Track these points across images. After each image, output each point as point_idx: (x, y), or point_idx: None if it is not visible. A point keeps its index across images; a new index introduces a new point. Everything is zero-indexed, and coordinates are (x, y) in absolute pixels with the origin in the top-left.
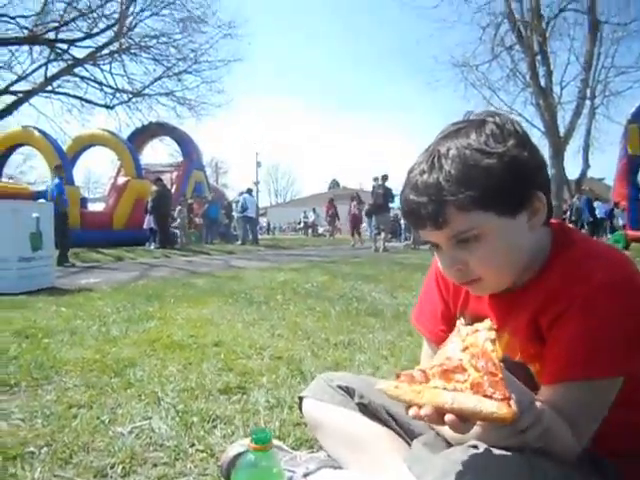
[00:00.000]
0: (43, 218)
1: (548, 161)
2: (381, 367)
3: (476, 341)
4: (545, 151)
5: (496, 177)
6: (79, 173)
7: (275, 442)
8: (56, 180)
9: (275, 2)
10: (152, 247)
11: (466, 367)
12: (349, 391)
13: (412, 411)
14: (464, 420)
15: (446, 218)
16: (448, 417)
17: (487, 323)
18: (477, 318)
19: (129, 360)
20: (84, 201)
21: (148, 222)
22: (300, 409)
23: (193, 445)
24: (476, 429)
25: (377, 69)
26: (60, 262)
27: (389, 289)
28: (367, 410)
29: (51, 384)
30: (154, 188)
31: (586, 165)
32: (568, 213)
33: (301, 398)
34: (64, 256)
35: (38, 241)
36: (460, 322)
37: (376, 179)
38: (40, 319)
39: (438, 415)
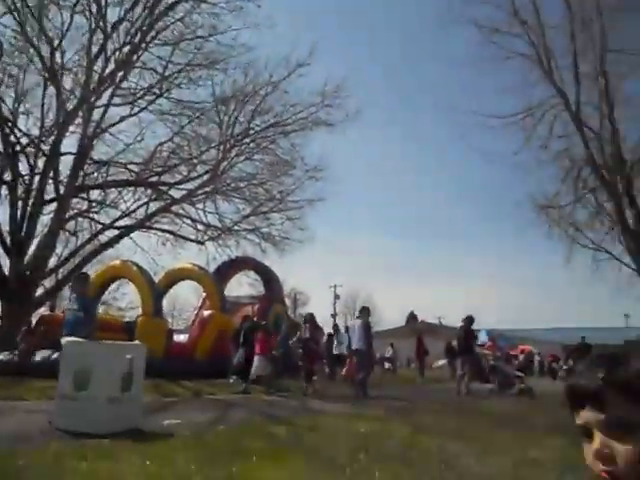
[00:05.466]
0: (136, 359)
1: None
2: None
3: None
4: (637, 291)
5: None
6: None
7: None
8: None
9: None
10: (232, 381)
11: None
12: None
13: None
14: None
15: (607, 400)
16: None
17: None
18: None
19: None
20: (170, 333)
21: (239, 356)
22: None
23: None
24: None
25: (460, 206)
26: None
27: (479, 452)
28: None
29: None
30: (246, 323)
31: None
32: None
33: None
34: None
35: (128, 382)
36: None
37: (464, 320)
38: (125, 474)
39: None
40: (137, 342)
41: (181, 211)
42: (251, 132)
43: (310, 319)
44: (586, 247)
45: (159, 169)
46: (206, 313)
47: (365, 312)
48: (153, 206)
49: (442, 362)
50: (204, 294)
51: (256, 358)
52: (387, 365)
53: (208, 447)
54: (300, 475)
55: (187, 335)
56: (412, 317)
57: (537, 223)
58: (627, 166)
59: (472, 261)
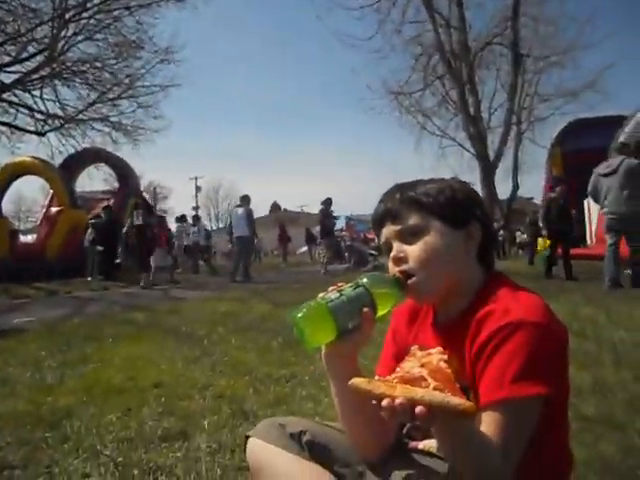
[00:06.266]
0: None
1: (479, 183)
2: (322, 400)
3: (430, 360)
4: (476, 173)
5: (445, 195)
6: (7, 202)
7: None
8: None
9: (217, 32)
10: (90, 278)
11: (426, 377)
12: (299, 436)
13: (385, 401)
14: (432, 413)
15: (402, 214)
16: (419, 408)
17: (438, 348)
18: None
19: (65, 410)
20: (14, 233)
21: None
22: (244, 450)
23: None
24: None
25: (320, 96)
26: None
27: None
28: (315, 451)
29: None
30: (106, 213)
31: (516, 186)
32: None
33: (247, 437)
34: None
35: None
36: (414, 347)
37: (322, 202)
38: None
39: (410, 406)
40: None
41: (14, 98)
42: (89, 6)
43: (142, 204)
44: (433, 134)
45: None
46: (54, 210)
47: (246, 200)
48: None
49: (304, 248)
50: (51, 191)
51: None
52: None
53: (62, 336)
54: (157, 349)
55: (35, 235)
56: (275, 206)
57: (389, 110)
58: (471, 54)
59: (332, 149)
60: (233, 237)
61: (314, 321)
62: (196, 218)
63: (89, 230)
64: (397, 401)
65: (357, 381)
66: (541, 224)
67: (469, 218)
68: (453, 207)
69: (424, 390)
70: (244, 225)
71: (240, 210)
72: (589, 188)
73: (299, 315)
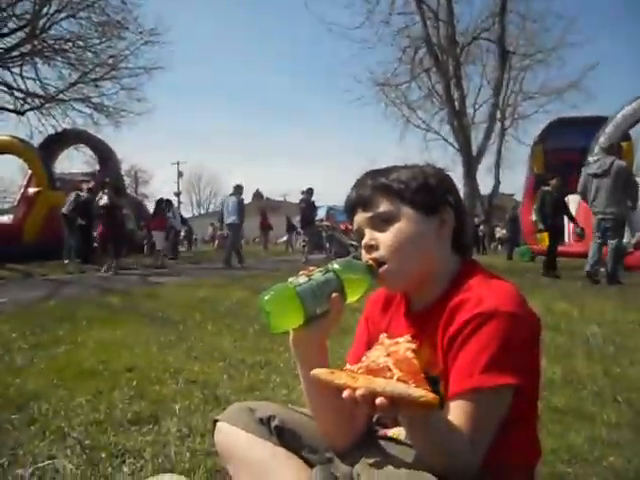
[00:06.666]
0: None
1: (462, 178)
2: (295, 387)
3: (398, 349)
4: (459, 168)
5: (417, 181)
6: None
7: None
8: None
9: (205, 22)
10: (67, 262)
11: (391, 368)
12: (269, 421)
13: (346, 393)
14: (394, 404)
15: (373, 201)
16: (379, 400)
17: (406, 337)
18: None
19: (34, 392)
20: None
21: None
22: (213, 434)
23: None
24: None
25: (306, 86)
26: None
27: None
28: (283, 436)
29: None
30: (86, 195)
31: (497, 182)
32: None
33: (215, 421)
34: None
35: None
36: (383, 335)
37: (304, 192)
38: None
39: (371, 398)
40: None
41: None
42: None
43: (109, 184)
44: (418, 127)
45: None
46: (32, 191)
47: (238, 190)
48: None
49: (286, 237)
50: (29, 171)
51: (155, 233)
52: None
53: (35, 318)
54: (132, 333)
55: (12, 216)
56: (257, 194)
57: (375, 101)
58: (458, 48)
59: (317, 139)
60: (224, 224)
61: (281, 305)
62: (169, 203)
63: (71, 198)
64: (358, 392)
65: (319, 371)
66: (534, 217)
67: (441, 204)
68: (425, 193)
69: (386, 381)
70: (235, 213)
71: (233, 199)
72: (579, 187)
73: (266, 298)
